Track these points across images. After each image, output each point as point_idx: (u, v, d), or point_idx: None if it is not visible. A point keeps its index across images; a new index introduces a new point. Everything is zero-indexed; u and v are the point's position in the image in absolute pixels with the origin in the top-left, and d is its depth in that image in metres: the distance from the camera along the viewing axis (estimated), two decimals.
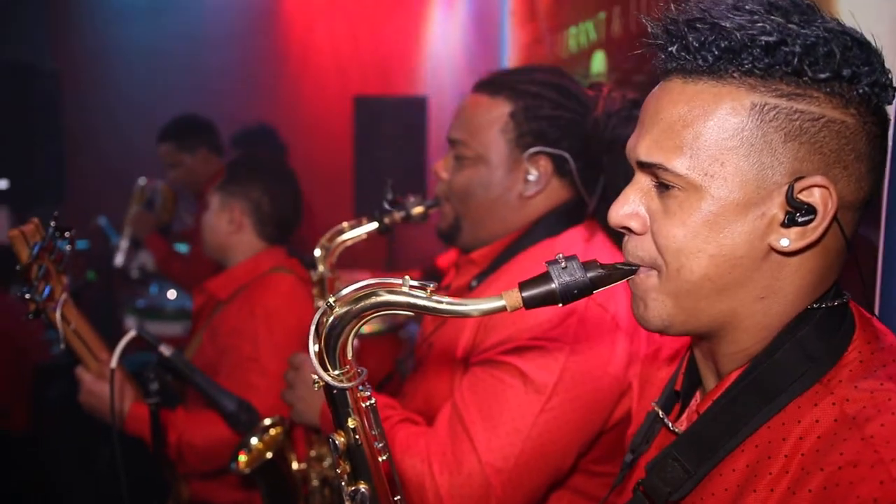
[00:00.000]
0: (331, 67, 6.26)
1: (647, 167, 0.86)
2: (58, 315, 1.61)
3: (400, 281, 0.87)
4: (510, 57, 4.91)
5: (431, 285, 0.87)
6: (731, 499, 0.84)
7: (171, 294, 4.09)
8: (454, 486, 1.28)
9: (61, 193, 5.01)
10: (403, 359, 1.97)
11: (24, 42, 5.25)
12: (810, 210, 0.79)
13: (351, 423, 0.94)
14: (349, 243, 1.74)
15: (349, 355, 0.91)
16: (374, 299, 0.87)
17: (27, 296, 1.56)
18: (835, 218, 0.80)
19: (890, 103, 0.83)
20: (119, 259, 3.73)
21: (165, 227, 3.67)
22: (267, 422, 1.70)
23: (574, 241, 1.49)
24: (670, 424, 0.97)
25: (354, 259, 2.31)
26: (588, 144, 1.50)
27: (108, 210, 4.30)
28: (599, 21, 3.13)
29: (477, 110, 1.52)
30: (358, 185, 5.13)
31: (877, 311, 1.21)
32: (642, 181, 0.89)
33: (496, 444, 1.28)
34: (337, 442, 0.95)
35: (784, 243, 0.81)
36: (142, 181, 3.70)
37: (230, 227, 2.31)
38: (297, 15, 6.38)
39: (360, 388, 0.93)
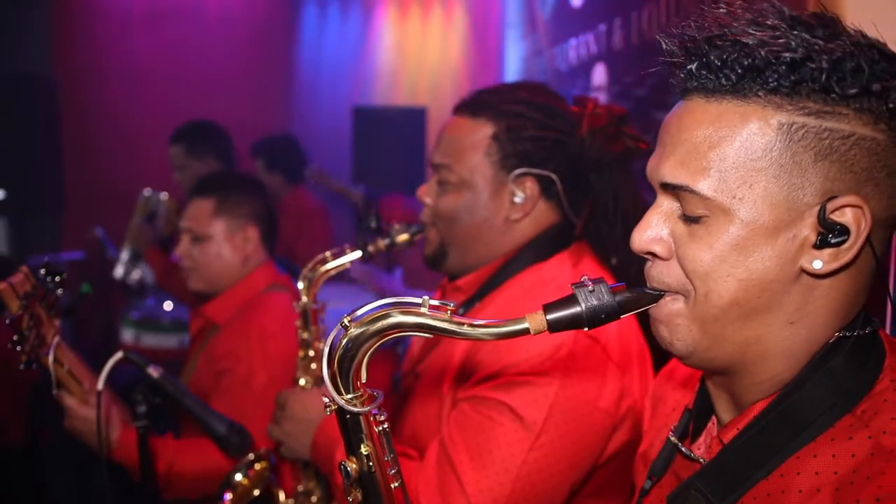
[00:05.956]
0: (331, 77, 6.25)
1: (672, 189, 0.82)
2: (50, 360, 1.59)
3: (419, 301, 0.84)
4: (510, 69, 4.89)
5: (451, 305, 0.83)
6: None
7: (168, 305, 4.04)
8: None
9: (60, 204, 4.97)
10: (400, 376, 1.93)
11: (23, 52, 5.24)
12: (843, 230, 0.76)
13: (364, 450, 0.89)
14: (333, 273, 1.69)
15: (363, 378, 0.87)
16: (390, 320, 0.84)
17: (18, 347, 1.53)
18: (868, 237, 0.77)
19: None
20: (119, 271, 3.72)
21: (167, 239, 3.61)
22: (251, 456, 1.66)
23: (562, 266, 1.45)
24: (686, 451, 0.93)
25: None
26: (574, 164, 1.45)
27: (108, 221, 4.28)
28: (600, 33, 3.10)
29: (459, 133, 1.47)
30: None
31: None
32: (665, 204, 0.85)
33: (485, 483, 1.24)
34: (349, 469, 0.90)
35: (817, 265, 0.77)
36: (146, 192, 3.68)
37: (242, 248, 2.28)
38: (298, 25, 6.37)
39: (374, 412, 0.89)
